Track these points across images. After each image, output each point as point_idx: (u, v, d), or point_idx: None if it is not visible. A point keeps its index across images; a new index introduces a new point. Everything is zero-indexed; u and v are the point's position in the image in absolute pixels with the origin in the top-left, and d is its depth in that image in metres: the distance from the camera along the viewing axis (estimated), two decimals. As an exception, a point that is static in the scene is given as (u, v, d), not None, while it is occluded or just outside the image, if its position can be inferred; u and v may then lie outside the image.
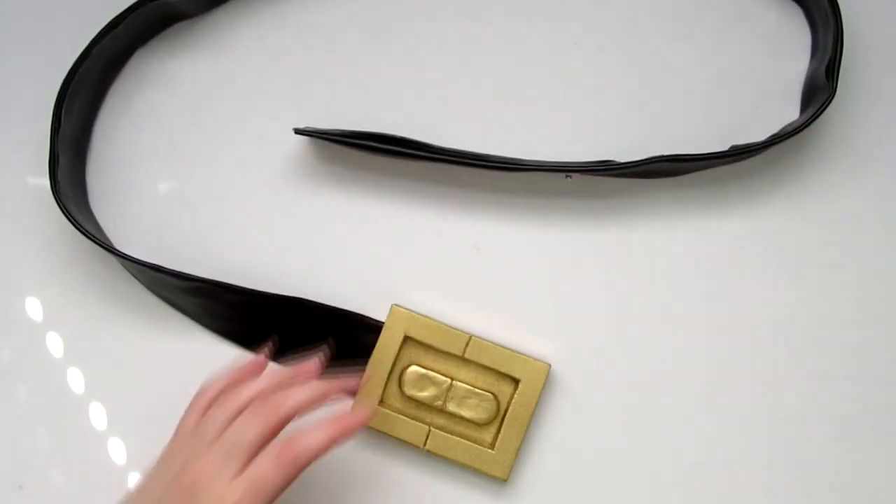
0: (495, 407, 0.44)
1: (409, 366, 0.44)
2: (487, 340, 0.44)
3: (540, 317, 0.45)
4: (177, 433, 0.39)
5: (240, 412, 0.37)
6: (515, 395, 0.44)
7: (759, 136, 0.45)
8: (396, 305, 0.44)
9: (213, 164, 0.47)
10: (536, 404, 0.44)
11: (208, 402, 0.39)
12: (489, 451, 0.44)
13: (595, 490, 0.44)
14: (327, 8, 0.48)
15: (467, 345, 0.44)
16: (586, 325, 0.45)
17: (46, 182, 0.45)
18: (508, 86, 0.47)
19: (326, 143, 0.46)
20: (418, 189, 0.46)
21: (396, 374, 0.44)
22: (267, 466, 0.35)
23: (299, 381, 0.39)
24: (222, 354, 0.46)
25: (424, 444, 0.44)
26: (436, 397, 0.44)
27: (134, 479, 0.45)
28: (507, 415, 0.44)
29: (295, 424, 0.37)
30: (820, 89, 0.44)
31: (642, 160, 0.44)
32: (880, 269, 0.45)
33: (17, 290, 0.47)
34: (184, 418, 0.39)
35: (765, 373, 0.45)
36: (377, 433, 0.44)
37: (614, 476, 0.44)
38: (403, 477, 0.45)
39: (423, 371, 0.44)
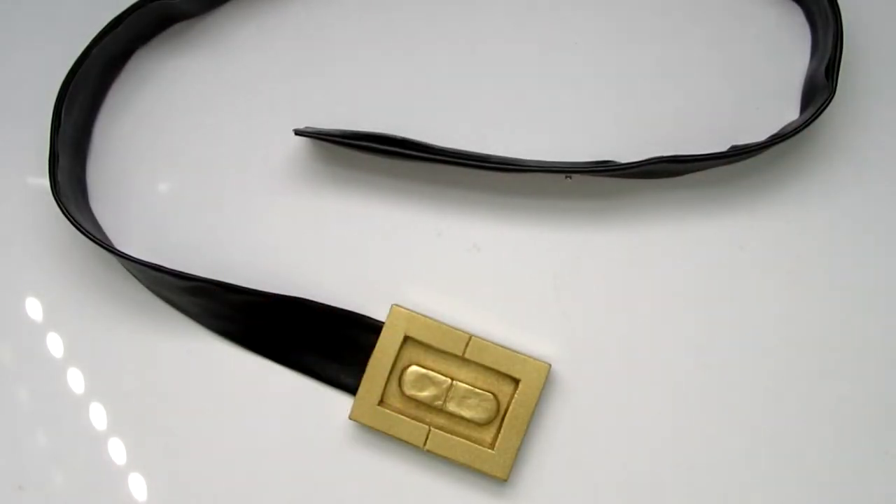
0: (495, 407, 0.44)
1: (409, 366, 0.44)
2: (487, 340, 0.44)
3: (540, 317, 0.45)
4: None
5: None
6: (515, 395, 0.44)
7: (759, 136, 0.45)
8: (396, 305, 0.44)
9: (214, 164, 0.47)
10: (536, 404, 0.44)
11: None
12: (489, 451, 0.44)
13: (595, 490, 0.45)
14: (327, 8, 0.48)
15: (467, 345, 0.44)
16: (586, 325, 0.45)
17: (46, 182, 0.45)
18: (508, 86, 0.47)
19: (326, 143, 0.46)
20: (418, 189, 0.46)
21: (396, 374, 0.44)
22: None
23: None
24: (222, 354, 0.46)
25: (424, 444, 0.44)
26: (436, 397, 0.44)
27: (134, 479, 0.45)
28: (507, 415, 0.44)
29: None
30: (820, 89, 0.44)
31: (642, 161, 0.44)
32: (880, 269, 0.45)
33: (17, 290, 0.47)
34: None
35: (765, 373, 0.45)
36: (377, 433, 0.44)
37: (614, 476, 0.45)
38: (403, 477, 0.45)
39: (423, 371, 0.44)
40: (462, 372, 0.44)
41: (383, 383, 0.44)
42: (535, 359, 0.44)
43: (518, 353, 0.44)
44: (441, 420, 0.44)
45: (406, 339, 0.44)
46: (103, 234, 0.46)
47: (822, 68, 0.44)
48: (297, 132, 0.45)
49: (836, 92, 0.44)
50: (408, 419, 0.44)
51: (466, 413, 0.44)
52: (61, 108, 0.45)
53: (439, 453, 0.44)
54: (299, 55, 0.47)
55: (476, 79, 0.47)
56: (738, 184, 0.46)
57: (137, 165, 0.47)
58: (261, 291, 0.44)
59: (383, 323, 0.44)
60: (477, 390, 0.44)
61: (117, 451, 0.45)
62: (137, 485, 0.45)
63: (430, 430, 0.44)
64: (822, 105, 0.44)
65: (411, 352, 0.44)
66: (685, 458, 0.45)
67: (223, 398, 0.45)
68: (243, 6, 0.48)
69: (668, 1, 0.47)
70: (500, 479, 0.44)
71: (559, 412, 0.45)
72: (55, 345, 0.46)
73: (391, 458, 0.45)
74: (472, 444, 0.44)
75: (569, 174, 0.45)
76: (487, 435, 0.44)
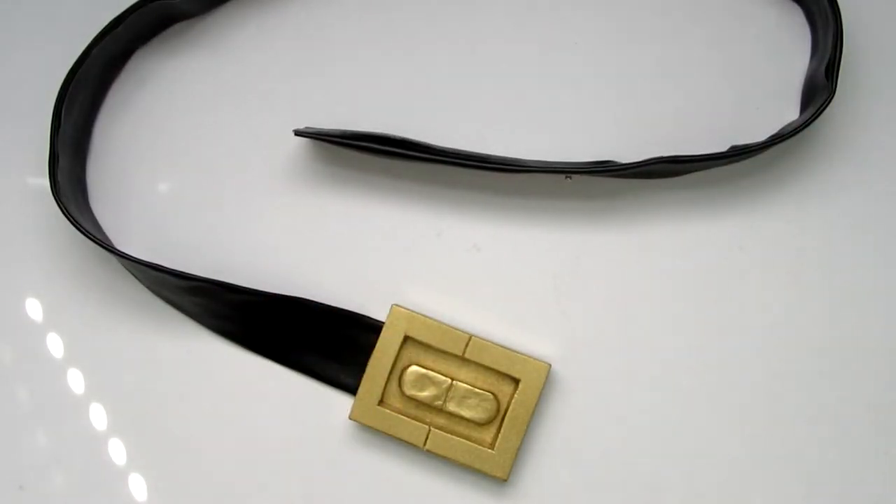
0: (495, 407, 0.44)
1: (409, 366, 0.44)
2: (487, 340, 0.44)
3: (540, 317, 0.45)
4: None
5: None
6: (515, 395, 0.44)
7: (759, 136, 0.45)
8: (396, 305, 0.44)
9: (214, 164, 0.47)
10: (536, 404, 0.44)
11: None
12: (489, 451, 0.44)
13: (595, 490, 0.45)
14: (327, 8, 0.48)
15: (467, 345, 0.44)
16: (586, 325, 0.45)
17: (46, 182, 0.45)
18: (508, 86, 0.47)
19: (326, 143, 0.46)
20: (418, 189, 0.46)
21: (396, 374, 0.44)
22: None
23: None
24: (222, 354, 0.46)
25: (424, 444, 0.44)
26: (436, 397, 0.44)
27: (134, 479, 0.45)
28: (507, 415, 0.44)
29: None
30: (820, 89, 0.44)
31: (642, 161, 0.44)
32: (880, 269, 0.45)
33: (17, 290, 0.47)
34: None
35: (764, 373, 0.45)
36: (377, 433, 0.44)
37: (614, 476, 0.45)
38: (403, 477, 0.45)
39: (423, 371, 0.44)
40: (462, 372, 0.44)
41: (383, 383, 0.44)
42: (535, 359, 0.44)
43: (518, 353, 0.44)
44: (441, 420, 0.44)
45: (406, 339, 0.44)
46: (103, 234, 0.46)
47: (822, 68, 0.44)
48: (297, 132, 0.45)
49: (836, 92, 0.44)
50: (408, 419, 0.44)
51: (466, 413, 0.44)
52: (61, 108, 0.45)
53: (439, 453, 0.44)
54: (299, 55, 0.48)
55: (476, 79, 0.47)
56: (738, 184, 0.46)
57: (137, 165, 0.47)
58: (261, 291, 0.44)
59: (383, 323, 0.44)
60: (477, 390, 0.44)
61: (117, 451, 0.45)
62: (137, 485, 0.45)
63: (430, 430, 0.44)
64: (822, 105, 0.44)
65: (411, 352, 0.44)
66: (685, 458, 0.45)
67: (223, 398, 0.45)
68: (243, 6, 0.48)
69: (668, 1, 0.47)
70: (500, 479, 0.44)
71: (559, 412, 0.45)
72: (55, 345, 0.46)
73: (391, 458, 0.45)
74: (472, 443, 0.44)
75: (569, 174, 0.45)
76: (487, 435, 0.44)
